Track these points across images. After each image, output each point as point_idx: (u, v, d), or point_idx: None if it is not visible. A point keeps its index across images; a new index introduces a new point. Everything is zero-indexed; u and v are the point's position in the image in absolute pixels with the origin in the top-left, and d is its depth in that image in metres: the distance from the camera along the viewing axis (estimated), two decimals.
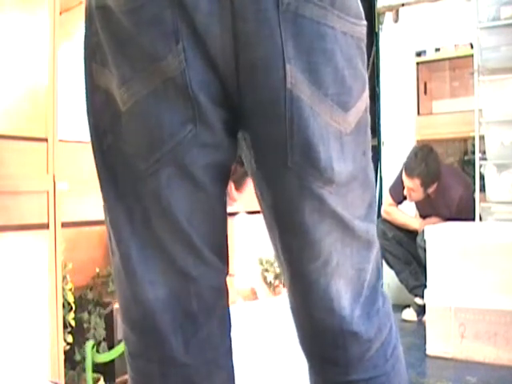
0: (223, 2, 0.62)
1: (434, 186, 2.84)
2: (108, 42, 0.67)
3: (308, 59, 0.64)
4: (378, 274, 0.78)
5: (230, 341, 0.79)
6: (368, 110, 0.73)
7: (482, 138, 3.09)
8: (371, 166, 0.75)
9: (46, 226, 1.48)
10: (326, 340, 0.76)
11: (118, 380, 1.83)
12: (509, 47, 3.35)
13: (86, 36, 0.70)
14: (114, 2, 0.65)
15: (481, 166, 2.93)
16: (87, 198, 1.61)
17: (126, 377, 1.84)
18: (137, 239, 0.72)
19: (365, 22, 0.70)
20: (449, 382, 1.99)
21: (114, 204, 0.77)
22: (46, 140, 1.50)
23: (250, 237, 2.72)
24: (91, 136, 0.73)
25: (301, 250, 0.71)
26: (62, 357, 1.52)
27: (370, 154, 0.75)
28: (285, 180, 0.68)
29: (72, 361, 1.73)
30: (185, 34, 0.63)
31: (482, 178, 2.91)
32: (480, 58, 3.43)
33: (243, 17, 0.62)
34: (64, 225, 1.53)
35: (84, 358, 1.77)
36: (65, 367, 1.55)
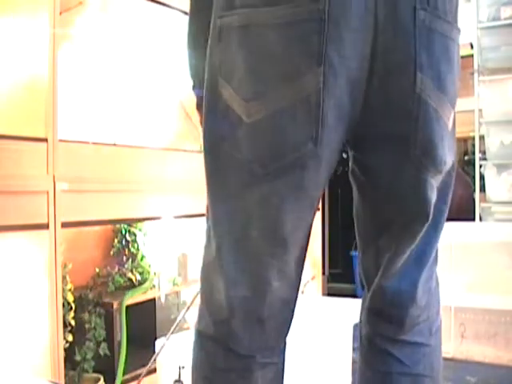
0: (369, 18, 0.70)
1: None
2: (245, 58, 0.72)
3: (437, 68, 0.74)
4: (437, 257, 0.91)
5: (285, 343, 0.89)
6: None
7: (481, 137, 3.10)
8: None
9: (46, 226, 1.48)
10: (388, 299, 0.88)
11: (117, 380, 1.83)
12: (509, 47, 3.35)
13: (213, 53, 0.76)
14: (264, 18, 0.70)
15: (481, 166, 2.93)
16: (87, 198, 1.61)
17: (126, 377, 1.84)
18: (232, 240, 0.78)
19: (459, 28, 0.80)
20: (449, 382, 1.99)
21: (219, 205, 0.80)
22: (46, 140, 1.50)
23: None
24: (205, 142, 0.78)
25: (403, 228, 0.83)
26: (62, 357, 1.52)
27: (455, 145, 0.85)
28: (403, 169, 0.77)
29: (72, 361, 1.73)
30: (329, 53, 0.69)
31: (482, 177, 2.92)
32: (480, 58, 3.43)
33: (384, 30, 0.70)
34: (64, 225, 1.53)
35: (84, 358, 1.77)
36: (65, 367, 1.55)
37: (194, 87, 0.96)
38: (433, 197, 0.80)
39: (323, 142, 0.72)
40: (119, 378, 1.84)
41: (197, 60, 0.91)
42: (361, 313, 0.97)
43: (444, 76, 0.75)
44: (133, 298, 1.97)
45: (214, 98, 0.76)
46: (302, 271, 0.85)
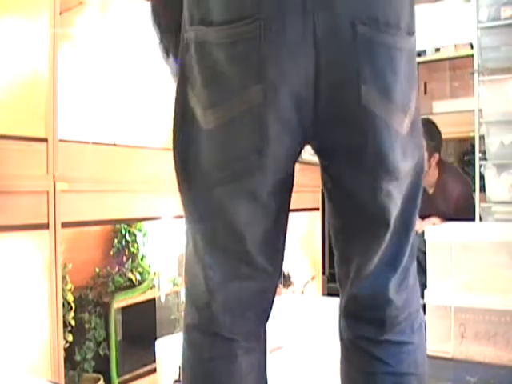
0: (308, 36, 0.72)
1: (436, 156, 2.84)
2: (201, 71, 0.78)
3: (382, 79, 0.76)
4: (413, 255, 0.92)
5: (265, 330, 0.96)
6: (418, 107, 0.84)
7: (481, 137, 3.10)
8: (424, 155, 0.89)
9: (46, 226, 1.48)
10: (363, 304, 0.91)
11: (118, 380, 1.83)
12: (509, 47, 3.35)
13: (182, 64, 0.82)
14: (213, 36, 0.75)
15: (481, 166, 2.93)
16: (87, 198, 1.61)
17: (126, 377, 1.84)
18: (204, 235, 0.86)
19: (415, 35, 0.80)
20: (449, 382, 1.99)
21: (189, 203, 0.88)
22: (46, 140, 1.50)
23: None
24: (176, 146, 0.85)
25: (369, 233, 0.86)
26: (62, 357, 1.52)
27: (422, 145, 0.88)
28: (360, 178, 0.81)
29: (72, 361, 1.73)
30: (268, 71, 0.73)
31: (481, 177, 2.92)
32: (480, 58, 3.43)
33: (325, 46, 0.73)
34: (64, 225, 1.53)
35: (84, 359, 1.77)
36: (65, 367, 1.55)
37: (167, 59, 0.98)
38: (391, 204, 0.83)
39: (267, 153, 0.77)
40: (113, 378, 1.83)
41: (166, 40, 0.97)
42: (339, 318, 0.97)
43: (390, 85, 0.76)
44: (131, 298, 1.97)
45: (184, 103, 0.82)
46: (275, 264, 0.90)
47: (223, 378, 0.89)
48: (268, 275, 0.89)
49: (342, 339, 0.97)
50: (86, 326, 1.79)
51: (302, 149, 0.84)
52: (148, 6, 0.97)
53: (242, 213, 0.82)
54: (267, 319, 0.95)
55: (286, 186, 0.89)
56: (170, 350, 1.59)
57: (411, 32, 0.79)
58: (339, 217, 0.90)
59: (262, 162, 0.78)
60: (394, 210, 0.84)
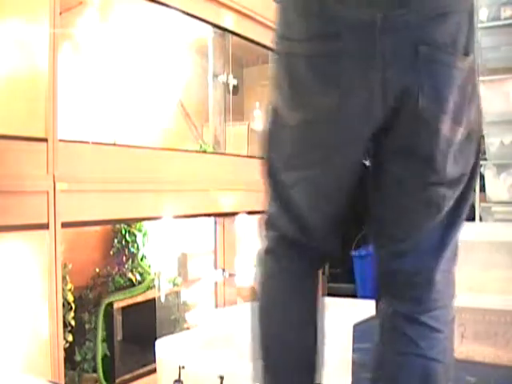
0: (377, 54, 0.84)
1: None
2: (288, 78, 0.94)
3: (439, 93, 0.86)
4: (455, 257, 1.01)
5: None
6: (477, 120, 0.95)
7: (482, 137, 3.08)
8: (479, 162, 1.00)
9: (46, 226, 1.48)
10: (409, 279, 0.98)
11: (118, 380, 1.83)
12: (509, 47, 3.35)
13: (274, 70, 1.01)
14: (299, 50, 0.91)
15: (481, 166, 2.94)
16: (87, 198, 1.61)
17: (127, 377, 1.84)
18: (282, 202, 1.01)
19: (472, 55, 0.90)
20: (448, 381, 1.99)
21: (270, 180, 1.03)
22: (46, 140, 1.50)
23: (250, 237, 2.72)
24: (266, 142, 1.01)
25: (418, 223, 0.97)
26: (62, 357, 1.52)
27: (479, 153, 0.98)
28: (413, 179, 0.93)
29: (72, 361, 1.73)
30: (343, 80, 0.87)
31: (481, 177, 2.92)
32: (480, 58, 3.42)
33: (391, 63, 0.85)
34: (64, 225, 1.53)
35: (84, 359, 1.77)
36: (65, 367, 1.55)
37: None
38: (443, 202, 0.94)
39: (336, 150, 0.92)
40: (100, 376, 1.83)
41: None
42: (377, 296, 1.05)
43: (445, 98, 0.87)
44: (131, 298, 1.97)
45: (275, 103, 0.99)
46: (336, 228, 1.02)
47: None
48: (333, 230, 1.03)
49: (378, 317, 1.04)
50: (86, 326, 1.79)
51: (366, 151, 0.96)
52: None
53: (305, 197, 0.99)
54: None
55: (351, 184, 0.98)
56: (169, 350, 1.59)
57: (467, 53, 0.89)
58: (389, 203, 0.98)
59: (332, 160, 0.93)
60: (446, 206, 0.94)
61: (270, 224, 1.06)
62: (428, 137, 0.89)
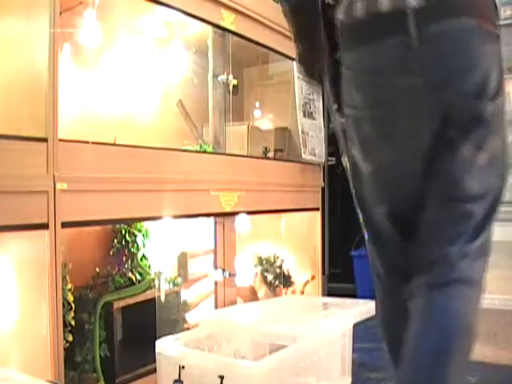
0: (420, 111, 1.08)
1: None
2: (356, 134, 1.15)
3: (469, 129, 1.06)
4: (489, 248, 1.27)
5: None
6: (502, 147, 1.11)
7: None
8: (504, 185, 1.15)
9: (46, 226, 1.48)
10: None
11: (117, 380, 1.83)
12: (509, 47, 3.34)
13: (343, 127, 1.19)
14: (361, 114, 1.13)
15: None
16: (87, 198, 1.61)
17: (127, 377, 1.84)
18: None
19: (498, 97, 1.07)
20: None
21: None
22: (46, 140, 1.50)
23: (249, 237, 2.72)
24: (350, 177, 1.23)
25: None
26: (62, 357, 1.52)
27: (504, 176, 1.13)
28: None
29: (72, 361, 1.73)
30: (396, 139, 1.12)
31: None
32: None
33: (433, 117, 1.07)
34: (64, 225, 1.53)
35: (85, 359, 1.77)
36: (65, 368, 1.55)
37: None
38: (471, 216, 1.13)
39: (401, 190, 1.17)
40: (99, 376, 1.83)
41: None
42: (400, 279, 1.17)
43: (472, 131, 1.07)
44: (131, 298, 1.97)
45: (350, 153, 1.21)
46: None
47: None
48: None
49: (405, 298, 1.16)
50: (87, 326, 1.79)
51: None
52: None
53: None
54: None
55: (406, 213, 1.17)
56: (169, 350, 1.59)
57: (496, 96, 1.06)
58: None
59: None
60: (474, 218, 1.12)
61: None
62: (456, 163, 1.07)
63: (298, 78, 2.67)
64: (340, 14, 1.13)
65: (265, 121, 3.00)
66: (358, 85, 1.14)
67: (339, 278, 3.73)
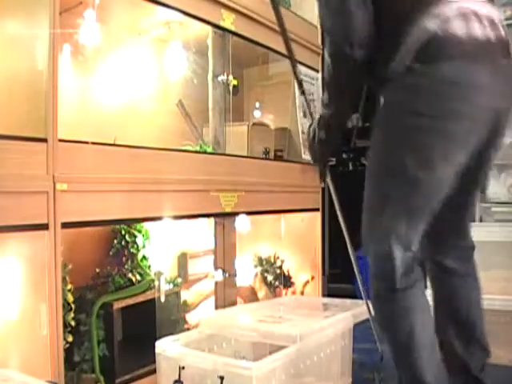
0: (482, 127, 1.33)
1: None
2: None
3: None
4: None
5: None
6: None
7: None
8: None
9: (46, 226, 1.48)
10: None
11: (117, 380, 1.83)
12: None
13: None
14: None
15: None
16: (87, 199, 1.61)
17: (127, 377, 1.84)
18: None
19: None
20: None
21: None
22: (46, 140, 1.50)
23: (249, 237, 2.72)
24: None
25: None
26: (62, 357, 1.51)
27: None
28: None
29: (71, 362, 1.73)
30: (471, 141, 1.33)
31: None
32: None
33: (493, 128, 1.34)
34: (64, 225, 1.53)
35: (83, 359, 1.77)
36: (65, 368, 1.55)
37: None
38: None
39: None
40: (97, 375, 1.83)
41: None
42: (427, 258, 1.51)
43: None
44: (131, 298, 1.96)
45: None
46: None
47: None
48: None
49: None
50: (86, 326, 1.78)
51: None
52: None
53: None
54: None
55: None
56: (169, 350, 1.59)
57: None
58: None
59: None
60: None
61: None
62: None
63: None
64: (432, 25, 1.22)
65: (265, 121, 3.00)
66: (443, 95, 1.24)
67: (339, 279, 3.72)
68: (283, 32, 1.79)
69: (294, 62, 1.80)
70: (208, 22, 2.18)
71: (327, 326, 1.77)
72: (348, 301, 2.15)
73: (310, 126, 1.57)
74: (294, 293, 2.92)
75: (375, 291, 1.37)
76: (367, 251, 1.38)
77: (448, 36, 1.23)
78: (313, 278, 2.94)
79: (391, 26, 1.29)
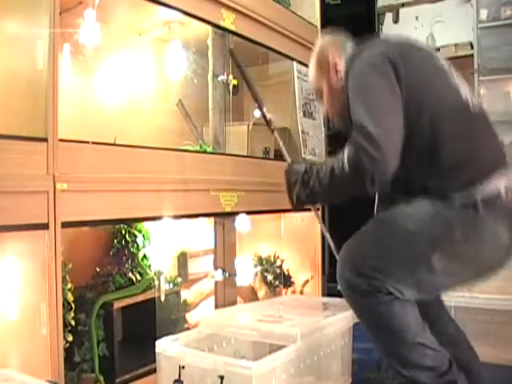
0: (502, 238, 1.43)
1: None
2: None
3: None
4: None
5: None
6: None
7: None
8: None
9: (46, 226, 1.48)
10: None
11: (117, 380, 1.83)
12: (509, 47, 3.34)
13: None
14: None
15: None
16: (87, 198, 1.61)
17: (127, 377, 1.84)
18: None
19: None
20: None
21: None
22: (46, 140, 1.50)
23: (249, 237, 2.72)
24: None
25: None
26: (62, 357, 1.52)
27: None
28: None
29: (71, 362, 1.73)
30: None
31: None
32: (480, 58, 3.42)
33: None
34: (64, 225, 1.53)
35: (83, 359, 1.77)
36: (65, 368, 1.55)
37: None
38: None
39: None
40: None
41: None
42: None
43: None
44: (131, 298, 1.97)
45: None
46: None
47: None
48: None
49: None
50: (86, 326, 1.79)
51: None
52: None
53: None
54: None
55: None
56: (170, 350, 1.59)
57: None
58: None
59: None
60: None
61: None
62: None
63: (298, 77, 2.67)
64: (479, 196, 1.37)
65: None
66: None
67: None
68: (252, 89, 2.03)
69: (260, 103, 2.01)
70: (208, 22, 2.18)
71: (327, 325, 1.77)
72: None
73: (298, 165, 1.57)
74: (294, 292, 2.92)
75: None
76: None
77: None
78: (312, 277, 2.94)
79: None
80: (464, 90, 1.48)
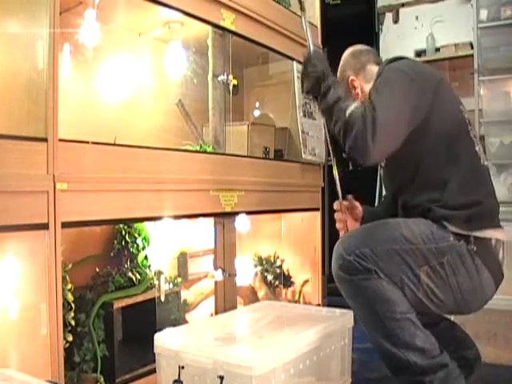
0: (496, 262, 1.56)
1: None
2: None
3: None
4: None
5: None
6: None
7: (481, 137, 3.09)
8: None
9: (46, 226, 1.48)
10: None
11: (117, 380, 1.83)
12: (509, 47, 3.34)
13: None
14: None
15: None
16: (87, 198, 1.61)
17: (127, 376, 1.83)
18: None
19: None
20: None
21: None
22: (46, 140, 1.50)
23: (249, 237, 2.72)
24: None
25: None
26: (62, 357, 1.52)
27: None
28: None
29: (71, 362, 1.73)
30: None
31: None
32: (480, 58, 3.42)
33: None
34: (64, 225, 1.53)
35: (83, 359, 1.77)
36: (65, 368, 1.55)
37: None
38: None
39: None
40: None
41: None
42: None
43: None
44: (131, 298, 1.97)
45: None
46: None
47: None
48: None
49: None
50: (86, 327, 1.79)
51: None
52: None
53: None
54: None
55: None
56: (169, 350, 1.59)
57: None
58: None
59: None
60: None
61: None
62: None
63: (298, 77, 2.67)
64: (474, 234, 1.50)
65: (269, 115, 3.00)
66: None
67: None
68: None
69: None
70: (208, 22, 2.18)
71: (327, 325, 1.77)
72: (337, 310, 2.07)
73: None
74: (294, 292, 2.92)
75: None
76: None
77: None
78: (308, 280, 2.94)
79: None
80: (478, 143, 1.61)
